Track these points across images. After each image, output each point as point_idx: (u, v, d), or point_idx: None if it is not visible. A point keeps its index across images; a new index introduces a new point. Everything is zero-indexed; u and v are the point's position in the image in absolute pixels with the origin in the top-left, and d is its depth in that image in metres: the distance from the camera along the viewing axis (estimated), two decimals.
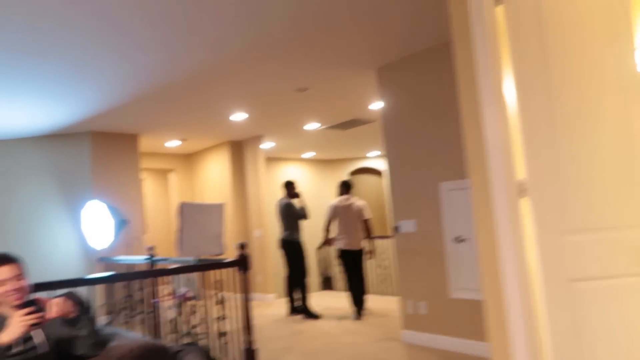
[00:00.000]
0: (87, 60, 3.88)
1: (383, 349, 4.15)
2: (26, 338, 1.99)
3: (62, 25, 3.22)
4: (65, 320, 2.08)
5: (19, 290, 2.01)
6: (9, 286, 1.98)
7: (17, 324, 1.88)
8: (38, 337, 2.03)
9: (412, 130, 4.31)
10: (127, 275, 3.16)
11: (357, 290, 5.66)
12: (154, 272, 3.14)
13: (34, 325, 1.94)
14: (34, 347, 2.02)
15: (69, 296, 2.32)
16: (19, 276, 2.02)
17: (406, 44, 4.02)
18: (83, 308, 2.19)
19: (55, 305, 2.02)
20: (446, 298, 4.02)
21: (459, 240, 3.90)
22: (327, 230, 6.02)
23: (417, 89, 4.27)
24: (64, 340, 2.10)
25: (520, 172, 2.04)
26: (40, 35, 3.35)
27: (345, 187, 6.04)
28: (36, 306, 1.96)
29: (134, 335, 2.22)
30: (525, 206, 2.03)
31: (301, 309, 5.87)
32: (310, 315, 5.82)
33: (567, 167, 2.00)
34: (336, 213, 5.85)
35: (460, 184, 3.89)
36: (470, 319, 3.85)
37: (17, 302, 1.99)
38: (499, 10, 2.09)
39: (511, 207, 2.00)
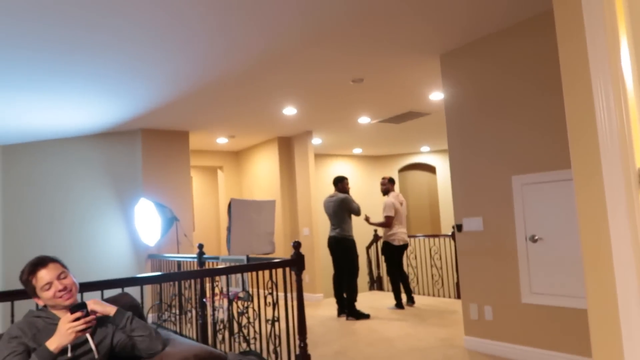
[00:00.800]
0: (141, 54, 3.77)
1: (445, 356, 3.84)
2: (77, 343, 1.84)
3: (116, 18, 3.10)
4: (110, 321, 1.95)
5: (66, 289, 1.87)
6: (54, 287, 1.85)
7: (65, 330, 1.74)
8: (89, 341, 1.88)
9: (479, 120, 3.96)
10: (177, 275, 3.01)
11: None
12: (203, 272, 2.97)
13: (83, 330, 1.79)
14: (86, 352, 1.87)
15: (120, 297, 2.18)
16: (62, 274, 1.88)
17: (473, 26, 3.68)
18: (130, 308, 2.04)
19: (94, 304, 1.90)
20: (516, 303, 3.66)
21: (534, 239, 3.53)
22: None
23: (484, 75, 3.92)
24: (119, 342, 1.96)
25: None
26: (94, 30, 3.25)
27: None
28: (85, 309, 1.82)
29: (187, 341, 2.04)
30: None
31: (350, 310, 5.61)
32: (359, 315, 5.55)
33: None
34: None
35: (537, 178, 3.51)
36: (543, 326, 3.48)
37: (68, 303, 1.86)
38: None
39: (629, 198, 1.67)
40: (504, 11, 3.46)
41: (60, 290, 1.85)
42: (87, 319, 1.81)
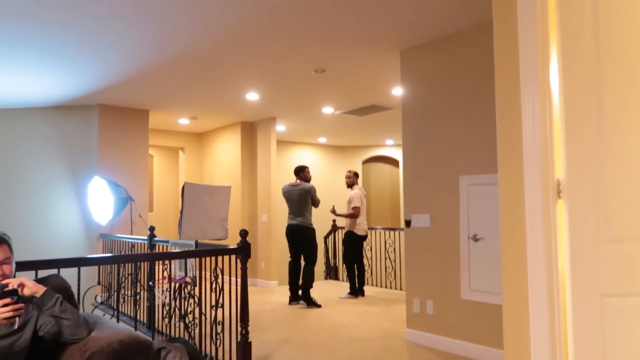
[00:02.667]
0: (98, 28, 3.66)
1: (385, 347, 3.94)
2: (7, 331, 1.81)
3: None
4: (36, 302, 1.91)
5: (3, 275, 1.83)
6: None
7: None
8: (17, 327, 1.84)
9: (433, 118, 4.04)
10: (122, 258, 2.98)
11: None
12: (149, 256, 2.96)
13: (10, 318, 1.76)
14: (14, 340, 1.84)
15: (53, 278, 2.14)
16: (6, 259, 1.84)
17: (434, 25, 3.73)
18: (59, 290, 2.01)
19: (25, 281, 1.85)
20: (456, 299, 3.79)
21: (476, 239, 3.65)
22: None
23: (440, 75, 3.99)
24: (43, 326, 1.92)
25: (559, 171, 1.78)
26: (49, 2, 3.14)
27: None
28: (16, 296, 1.78)
29: (115, 325, 2.03)
30: (561, 209, 1.78)
31: (304, 296, 5.68)
32: (312, 303, 5.63)
33: (612, 167, 1.74)
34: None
35: (482, 179, 3.62)
36: (480, 322, 3.62)
37: None
38: None
39: (546, 208, 1.75)
40: (460, 13, 3.52)
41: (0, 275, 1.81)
42: (16, 306, 1.77)
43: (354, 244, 6.31)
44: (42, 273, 2.52)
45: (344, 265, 6.42)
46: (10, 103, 6.01)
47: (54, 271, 2.44)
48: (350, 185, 6.45)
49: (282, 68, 4.78)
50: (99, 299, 5.82)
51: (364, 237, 6.36)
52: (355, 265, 6.33)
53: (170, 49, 4.21)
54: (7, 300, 1.76)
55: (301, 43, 4.08)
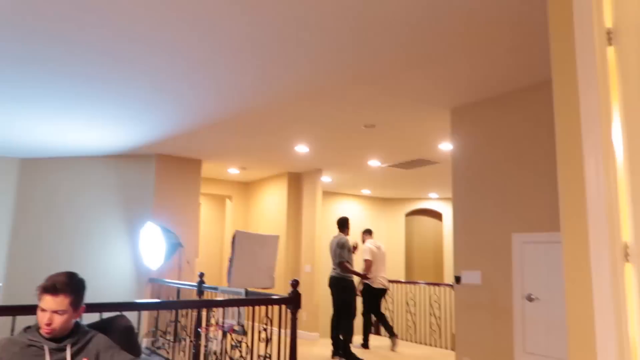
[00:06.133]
0: (161, 86, 3.95)
1: None
2: None
3: (142, 53, 3.29)
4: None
5: (51, 326, 1.85)
6: (45, 316, 1.85)
7: None
8: None
9: (484, 175, 4.04)
10: (174, 304, 3.06)
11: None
12: (201, 303, 3.03)
13: None
14: None
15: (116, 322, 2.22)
16: (62, 312, 1.86)
17: (485, 85, 3.82)
18: (124, 329, 2.07)
19: None
20: None
21: (530, 298, 3.54)
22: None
23: (492, 133, 4.03)
24: None
25: (626, 233, 1.77)
26: (120, 61, 3.44)
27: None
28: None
29: None
30: (629, 273, 1.75)
31: (344, 352, 5.57)
32: (353, 358, 5.50)
33: None
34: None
35: (536, 237, 3.55)
36: None
37: (47, 336, 1.86)
38: (610, 51, 1.87)
39: (613, 271, 1.72)
40: (513, 74, 3.59)
41: (46, 324, 1.85)
42: None
43: (368, 297, 6.54)
44: (105, 315, 2.63)
45: (362, 316, 6.61)
46: (74, 151, 6.44)
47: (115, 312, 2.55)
48: (363, 241, 6.81)
49: (333, 123, 4.94)
50: (143, 344, 5.91)
51: (381, 290, 6.55)
52: (374, 315, 6.56)
53: (225, 105, 4.46)
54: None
55: (354, 99, 4.23)
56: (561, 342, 3.34)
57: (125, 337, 2.13)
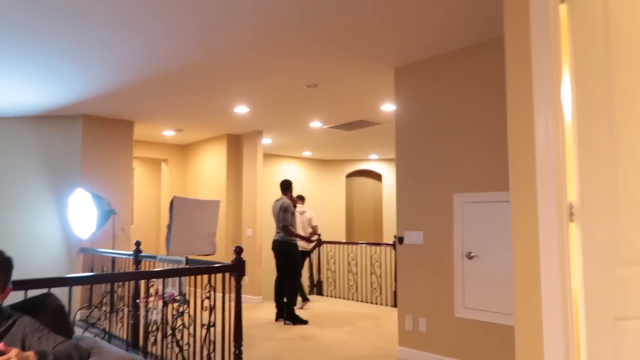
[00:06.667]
0: (83, 38, 3.57)
1: None
2: None
3: (61, 3, 2.92)
4: None
5: None
6: None
7: None
8: None
9: (428, 136, 4.06)
10: (109, 277, 2.87)
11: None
12: (138, 275, 2.86)
13: None
14: None
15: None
16: None
17: (429, 44, 3.77)
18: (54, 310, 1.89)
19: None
20: (449, 316, 3.78)
21: (470, 256, 3.66)
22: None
23: (436, 93, 4.02)
24: None
25: (571, 194, 1.79)
26: (38, 13, 3.04)
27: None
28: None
29: (114, 351, 1.94)
30: (574, 232, 1.79)
31: (288, 315, 5.60)
32: (297, 320, 5.55)
33: (624, 190, 1.76)
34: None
35: (476, 197, 3.64)
36: (474, 340, 3.61)
37: None
38: (562, 9, 1.84)
39: (560, 231, 1.75)
40: (459, 33, 3.56)
41: None
42: None
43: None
44: (31, 292, 2.41)
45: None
46: None
47: (42, 290, 2.34)
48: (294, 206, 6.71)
49: (274, 82, 4.75)
50: (77, 316, 5.62)
51: (302, 252, 6.72)
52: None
53: (159, 62, 4.14)
54: None
55: (295, 59, 4.06)
56: (497, 296, 3.49)
57: (55, 317, 1.95)
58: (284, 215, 5.67)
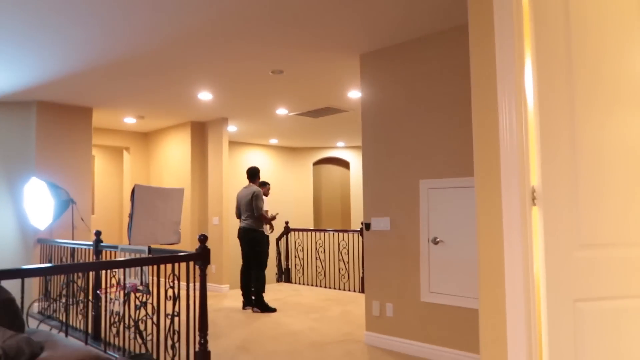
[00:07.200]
0: (35, 22, 3.38)
1: (345, 352, 3.92)
2: None
3: None
4: None
5: None
6: None
7: None
8: None
9: (393, 123, 4.06)
10: (67, 268, 2.76)
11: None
12: (97, 265, 2.76)
13: None
14: None
15: None
16: None
17: (395, 30, 3.75)
18: (3, 302, 1.81)
19: None
20: (415, 301, 3.83)
21: (436, 241, 3.70)
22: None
23: (402, 80, 4.02)
24: None
25: (534, 178, 1.81)
26: None
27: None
28: None
29: (72, 343, 1.86)
30: (536, 215, 1.82)
31: (257, 303, 5.56)
32: (266, 308, 5.53)
33: (584, 175, 1.79)
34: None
35: (441, 183, 3.67)
36: (440, 324, 3.67)
37: None
38: None
39: (523, 214, 1.77)
40: (424, 19, 3.55)
41: None
42: None
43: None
44: None
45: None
46: None
47: None
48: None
49: (238, 68, 4.65)
50: (35, 308, 5.42)
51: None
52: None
53: (117, 47, 3.98)
54: None
55: (258, 44, 3.98)
56: (461, 281, 3.55)
57: (5, 310, 1.85)
58: (257, 202, 5.61)
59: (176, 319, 3.29)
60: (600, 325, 1.78)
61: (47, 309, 5.28)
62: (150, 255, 3.49)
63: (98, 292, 3.81)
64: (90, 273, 4.18)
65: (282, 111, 6.58)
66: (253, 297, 5.64)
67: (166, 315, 3.35)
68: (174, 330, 3.28)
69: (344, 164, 10.56)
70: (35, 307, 5.47)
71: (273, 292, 6.78)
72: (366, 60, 4.28)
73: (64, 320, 4.78)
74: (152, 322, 3.40)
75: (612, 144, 1.81)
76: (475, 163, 1.92)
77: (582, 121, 1.79)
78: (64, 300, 4.91)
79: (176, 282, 3.28)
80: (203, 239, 3.23)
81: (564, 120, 1.78)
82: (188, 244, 7.11)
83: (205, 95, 5.73)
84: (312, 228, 9.09)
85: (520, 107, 1.80)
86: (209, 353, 3.24)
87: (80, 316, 4.57)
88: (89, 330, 4.29)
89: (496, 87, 1.85)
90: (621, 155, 1.82)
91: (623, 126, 1.83)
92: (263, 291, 5.63)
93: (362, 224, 4.30)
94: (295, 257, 7.81)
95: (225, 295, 6.71)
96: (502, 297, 1.84)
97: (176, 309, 3.27)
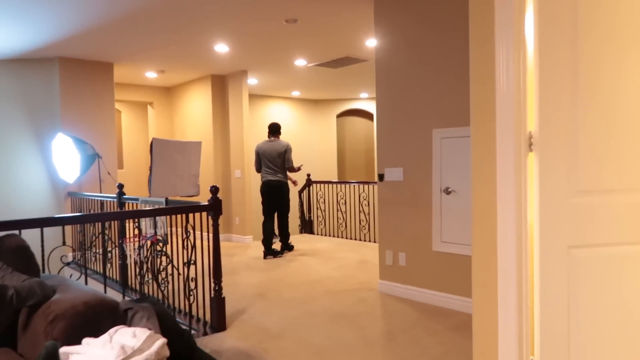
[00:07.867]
0: None
1: (358, 299, 4.02)
2: None
3: None
4: None
5: None
6: None
7: None
8: None
9: (407, 71, 3.95)
10: (89, 217, 2.89)
11: None
12: (117, 214, 2.88)
13: None
14: None
15: None
16: None
17: None
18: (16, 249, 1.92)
19: None
20: (428, 251, 3.85)
21: (448, 191, 3.67)
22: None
23: (414, 27, 3.88)
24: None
25: (531, 123, 1.76)
26: None
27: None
28: None
29: (82, 287, 1.98)
30: (532, 162, 1.77)
31: (286, 245, 6.05)
32: (288, 246, 6.07)
33: (585, 120, 1.72)
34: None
35: (455, 132, 3.60)
36: (450, 273, 3.70)
37: None
38: None
39: (517, 160, 1.73)
40: None
41: None
42: None
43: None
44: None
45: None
46: None
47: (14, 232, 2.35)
48: None
49: (251, 17, 4.57)
50: (65, 259, 5.72)
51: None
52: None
53: None
54: None
55: None
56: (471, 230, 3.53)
57: (18, 257, 1.97)
58: (289, 155, 5.82)
59: (192, 267, 3.42)
60: (595, 272, 1.76)
61: (78, 260, 5.57)
62: (164, 206, 3.61)
63: (121, 241, 3.99)
64: (114, 224, 4.36)
65: (300, 62, 6.49)
66: (279, 243, 6.05)
67: (184, 263, 3.49)
68: (190, 278, 3.42)
69: (368, 116, 10.43)
70: (65, 259, 5.78)
71: (296, 242, 6.92)
72: (380, 5, 4.13)
73: (96, 268, 5.05)
74: (171, 270, 3.56)
75: (618, 87, 1.73)
76: (472, 109, 1.87)
77: (585, 66, 1.71)
78: (94, 250, 5.17)
79: (192, 231, 3.39)
80: (214, 190, 3.30)
81: (566, 64, 1.70)
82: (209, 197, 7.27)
83: (221, 47, 5.69)
84: (335, 180, 9.13)
85: (519, 50, 1.72)
86: (223, 299, 3.38)
87: (108, 265, 4.81)
88: (116, 278, 4.53)
89: (494, 32, 1.77)
90: (626, 99, 1.74)
91: (633, 68, 1.74)
92: (288, 237, 6.12)
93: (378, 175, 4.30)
94: (318, 209, 7.90)
95: (249, 246, 6.90)
96: (494, 244, 1.83)
97: (192, 257, 3.40)
